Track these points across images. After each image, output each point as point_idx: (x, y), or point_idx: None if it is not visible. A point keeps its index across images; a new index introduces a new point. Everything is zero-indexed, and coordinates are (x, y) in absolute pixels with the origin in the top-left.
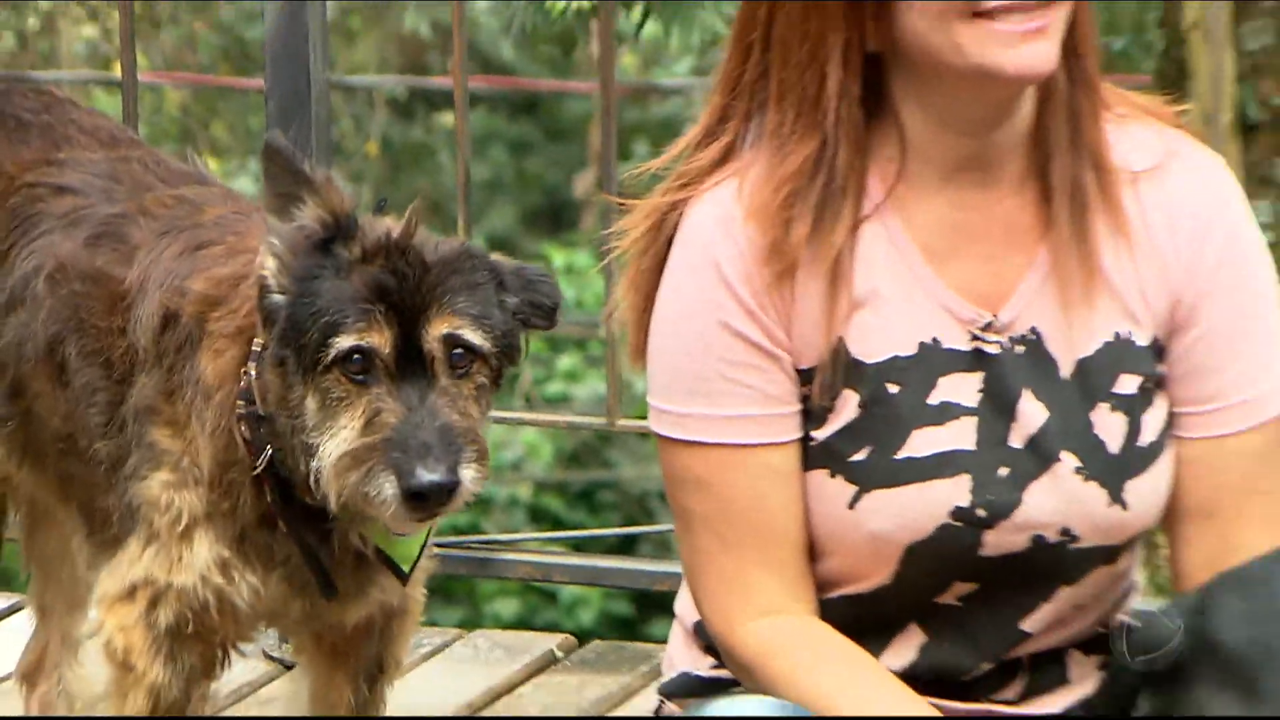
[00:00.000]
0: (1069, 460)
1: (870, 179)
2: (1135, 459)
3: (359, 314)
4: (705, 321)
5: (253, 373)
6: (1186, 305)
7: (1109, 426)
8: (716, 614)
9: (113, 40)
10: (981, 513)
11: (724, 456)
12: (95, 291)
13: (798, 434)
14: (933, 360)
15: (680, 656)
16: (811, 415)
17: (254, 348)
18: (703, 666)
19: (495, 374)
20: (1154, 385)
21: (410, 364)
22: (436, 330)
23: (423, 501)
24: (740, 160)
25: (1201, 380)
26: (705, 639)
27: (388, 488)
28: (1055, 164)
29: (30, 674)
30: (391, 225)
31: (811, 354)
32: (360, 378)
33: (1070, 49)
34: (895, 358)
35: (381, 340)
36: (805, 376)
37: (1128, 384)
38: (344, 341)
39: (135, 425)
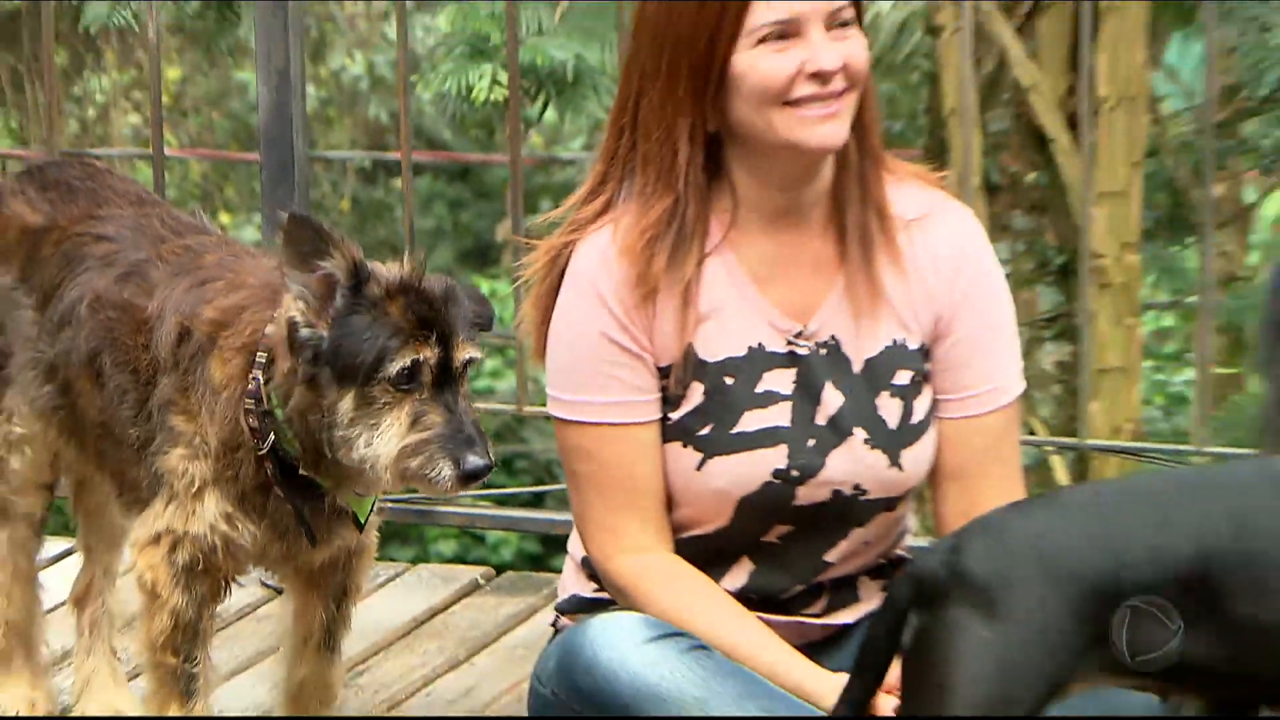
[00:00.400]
0: (859, 434)
1: (712, 225)
2: (908, 433)
3: (412, 338)
4: (588, 331)
5: (260, 379)
6: (945, 320)
7: (889, 409)
8: (597, 550)
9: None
10: (795, 473)
11: (603, 433)
12: (124, 318)
13: (658, 415)
14: (758, 360)
15: (571, 583)
16: (668, 401)
17: (258, 360)
18: (587, 590)
19: None
20: (922, 378)
21: (442, 375)
22: (463, 350)
23: (471, 480)
24: (615, 212)
25: (956, 375)
26: (589, 569)
27: (446, 470)
28: (848, 213)
29: (80, 599)
30: (398, 269)
31: (668, 355)
32: (405, 387)
33: (860, 128)
34: (730, 358)
35: (431, 356)
36: (664, 372)
37: (903, 377)
38: (402, 359)
39: (159, 415)
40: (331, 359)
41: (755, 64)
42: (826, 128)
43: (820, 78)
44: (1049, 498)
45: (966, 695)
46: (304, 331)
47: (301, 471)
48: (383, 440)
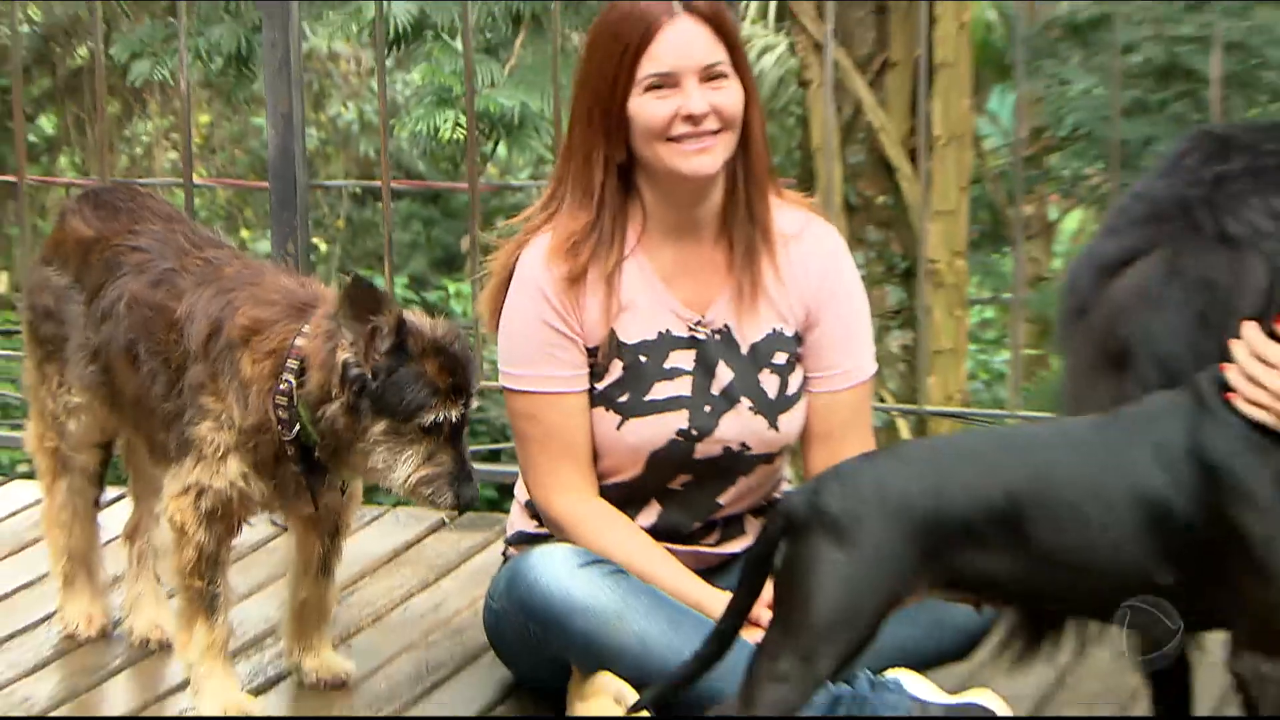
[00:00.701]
0: (746, 402)
1: (628, 234)
2: (784, 402)
3: (446, 398)
4: (532, 319)
5: (292, 382)
6: (814, 313)
7: (769, 383)
8: (538, 494)
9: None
10: (694, 433)
11: (544, 400)
12: (157, 317)
13: (587, 386)
14: (666, 342)
15: (517, 521)
16: (595, 374)
17: (289, 366)
18: (530, 527)
19: None
20: (795, 359)
21: (457, 423)
22: (473, 404)
23: (463, 508)
24: (557, 222)
25: (822, 357)
26: (532, 510)
27: (448, 499)
28: (735, 229)
29: (130, 535)
30: (434, 327)
31: (595, 338)
32: (427, 429)
33: (746, 160)
34: (644, 340)
35: (455, 412)
36: (591, 352)
37: (780, 358)
38: (434, 414)
39: (189, 394)
40: (375, 397)
41: (643, 107)
42: (699, 159)
43: (692, 119)
44: (890, 450)
45: (823, 605)
46: (354, 370)
47: (316, 456)
48: (403, 467)
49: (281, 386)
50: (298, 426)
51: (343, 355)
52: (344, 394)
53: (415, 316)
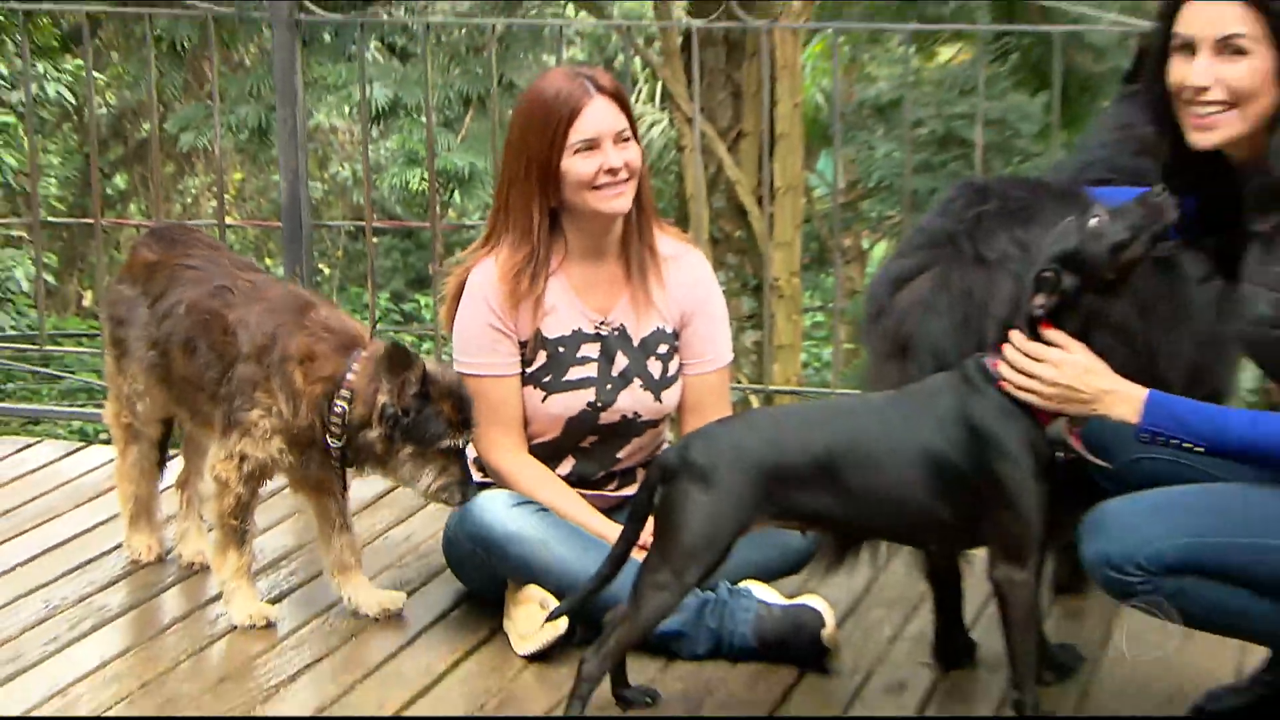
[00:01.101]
0: (637, 382)
1: (553, 259)
2: (666, 382)
3: (457, 431)
4: (479, 322)
5: (344, 409)
6: (687, 316)
7: (654, 367)
8: (483, 451)
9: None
10: (599, 405)
11: (488, 381)
12: (213, 320)
13: (519, 371)
14: (578, 338)
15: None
16: (525, 362)
17: (342, 394)
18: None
19: None
20: (673, 350)
21: (462, 445)
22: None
23: (465, 502)
24: (495, 251)
25: (692, 349)
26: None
27: (457, 498)
28: (631, 253)
29: (181, 485)
30: (444, 373)
31: (525, 335)
32: (443, 451)
33: (639, 202)
34: (562, 336)
35: (462, 439)
36: (523, 345)
37: (663, 349)
38: (449, 441)
39: (240, 385)
40: (405, 429)
41: (573, 165)
42: (616, 201)
43: (611, 172)
44: (741, 416)
45: (690, 533)
46: (389, 410)
47: (348, 458)
48: (426, 478)
49: (337, 409)
50: (344, 440)
51: (382, 399)
52: (381, 426)
53: (434, 367)
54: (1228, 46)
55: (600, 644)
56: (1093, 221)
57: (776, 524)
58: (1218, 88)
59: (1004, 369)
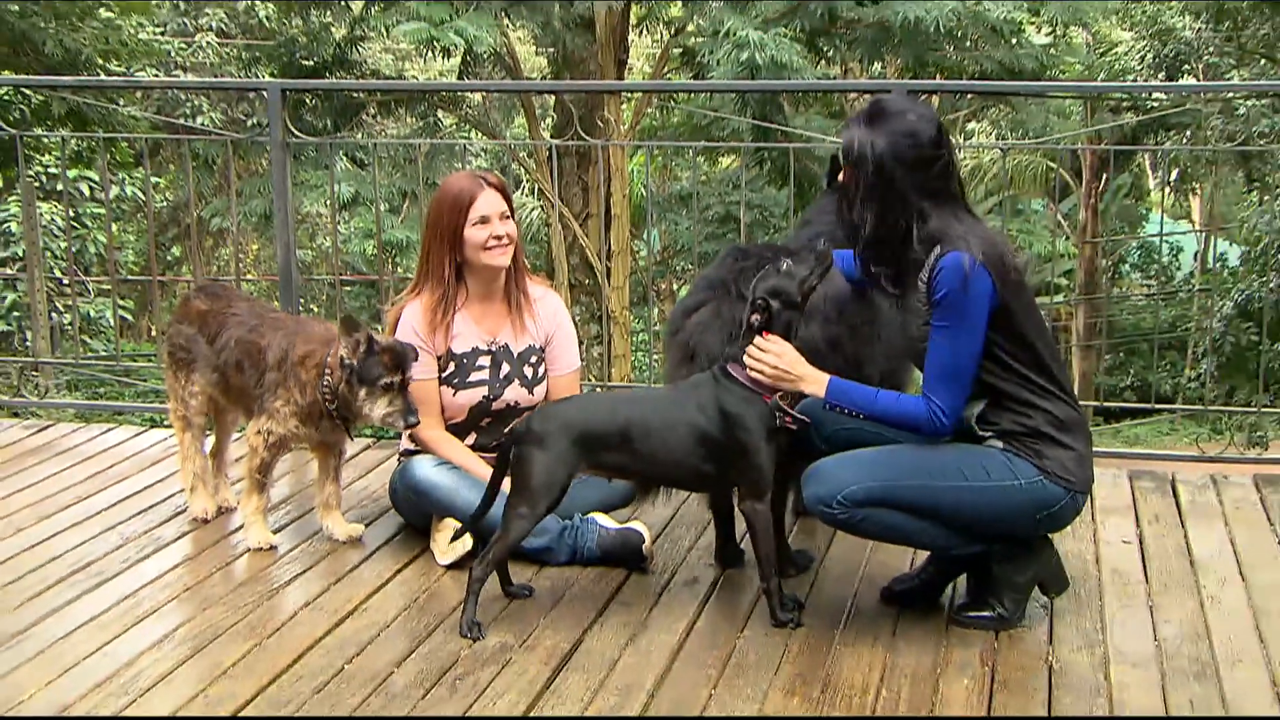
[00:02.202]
0: (517, 381)
1: (459, 299)
2: (536, 381)
3: (392, 369)
4: (408, 344)
5: (329, 381)
6: (550, 337)
7: (529, 371)
8: (415, 430)
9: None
10: (491, 398)
11: (418, 384)
12: (251, 348)
13: (437, 376)
14: (475, 353)
15: (404, 444)
16: (441, 370)
17: (326, 372)
18: (411, 446)
19: None
20: (541, 360)
21: (402, 384)
22: (409, 374)
23: (411, 426)
24: (421, 296)
25: (554, 359)
26: (412, 437)
27: (401, 424)
28: (510, 294)
29: (213, 454)
30: (385, 337)
31: (441, 351)
32: (386, 387)
33: (515, 260)
34: (464, 352)
35: (398, 380)
36: (440, 359)
37: (534, 359)
38: (388, 378)
39: (269, 385)
40: (359, 374)
41: (473, 234)
42: (500, 258)
43: (497, 238)
44: (569, 398)
45: (534, 479)
46: (347, 362)
47: (342, 413)
48: (377, 409)
49: (325, 383)
50: (335, 403)
51: (341, 353)
52: (343, 374)
53: (375, 334)
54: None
55: (483, 557)
56: (784, 266)
57: (594, 473)
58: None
59: (747, 359)
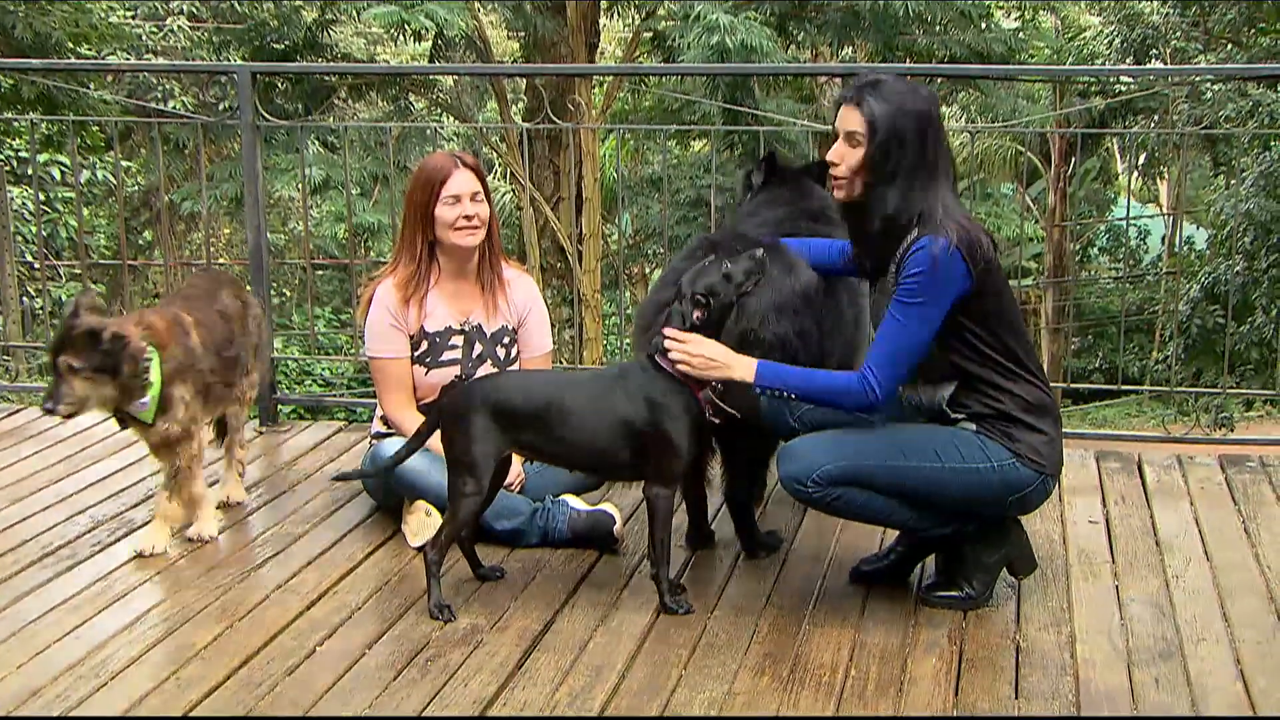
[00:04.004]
0: (489, 362)
1: (431, 277)
2: (509, 362)
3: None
4: (382, 322)
5: None
6: (522, 318)
7: (501, 352)
8: (386, 410)
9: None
10: (464, 378)
11: (389, 362)
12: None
13: (409, 355)
14: (449, 332)
15: (376, 426)
16: (414, 348)
17: None
18: (382, 428)
19: None
20: (514, 340)
21: None
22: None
23: (47, 411)
24: (396, 271)
25: (526, 340)
26: (383, 419)
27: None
28: (484, 275)
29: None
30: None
31: (414, 329)
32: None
33: (489, 240)
34: (437, 331)
35: (51, 360)
36: (412, 337)
37: (506, 340)
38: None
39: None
40: None
41: (444, 212)
42: (471, 238)
43: (468, 218)
44: (498, 374)
45: (465, 453)
46: None
47: None
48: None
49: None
50: None
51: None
52: None
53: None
54: (850, 138)
55: (434, 539)
56: (725, 268)
57: (519, 453)
58: (843, 165)
59: (672, 353)
